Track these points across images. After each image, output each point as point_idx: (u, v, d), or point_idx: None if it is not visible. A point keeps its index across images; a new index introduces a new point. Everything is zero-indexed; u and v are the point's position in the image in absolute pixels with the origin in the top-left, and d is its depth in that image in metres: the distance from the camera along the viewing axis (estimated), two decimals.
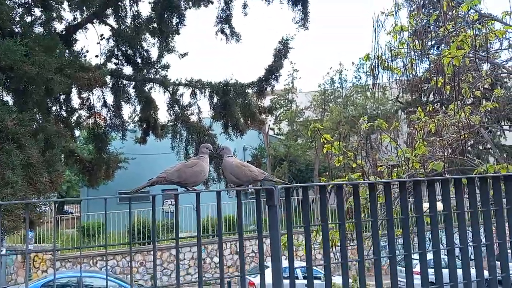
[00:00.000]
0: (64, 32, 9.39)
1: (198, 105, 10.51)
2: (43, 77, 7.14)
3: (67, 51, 8.54)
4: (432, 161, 5.98)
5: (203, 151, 2.57)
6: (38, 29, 8.31)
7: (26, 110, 7.26)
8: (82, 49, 9.01)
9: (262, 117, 10.89)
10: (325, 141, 6.35)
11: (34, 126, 7.59)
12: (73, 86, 8.16)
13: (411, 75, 6.96)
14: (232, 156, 2.69)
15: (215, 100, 10.41)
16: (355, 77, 25.75)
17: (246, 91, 10.27)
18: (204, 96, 10.47)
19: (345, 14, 53.28)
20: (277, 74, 10.05)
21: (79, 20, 9.40)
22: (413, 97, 24.09)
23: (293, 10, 9.79)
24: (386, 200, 2.54)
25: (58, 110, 9.96)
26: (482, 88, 7.00)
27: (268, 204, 2.29)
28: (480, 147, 19.63)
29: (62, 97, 10.02)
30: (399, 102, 23.63)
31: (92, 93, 10.09)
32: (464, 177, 2.76)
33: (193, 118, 10.50)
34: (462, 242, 2.54)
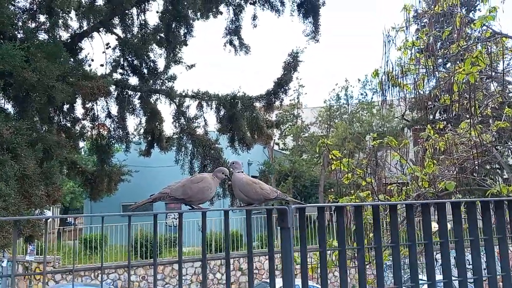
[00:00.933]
0: (69, 40, 9.00)
1: (204, 118, 10.06)
2: (44, 85, 6.70)
3: (71, 59, 8.11)
4: (443, 181, 5.66)
5: (218, 176, 2.37)
6: (42, 36, 7.93)
7: (26, 118, 6.82)
8: (86, 57, 8.60)
9: (269, 131, 10.39)
10: (334, 158, 6.07)
11: (33, 136, 7.13)
12: (76, 95, 7.70)
13: (420, 92, 6.75)
14: (242, 172, 2.49)
15: (222, 112, 9.95)
16: (361, 94, 25.43)
17: (253, 104, 9.81)
18: (211, 108, 10.02)
19: (351, 29, 53.05)
20: (286, 88, 9.60)
21: (85, 28, 9.00)
22: (420, 115, 23.78)
23: (304, 22, 9.42)
24: (408, 222, 2.39)
25: (61, 120, 9.50)
26: (491, 107, 6.68)
27: (281, 226, 2.16)
28: (488, 167, 19.10)
29: (66, 106, 9.57)
30: (405, 120, 23.21)
31: (96, 103, 9.65)
32: (477, 200, 2.60)
33: (199, 131, 10.03)
34: (476, 272, 2.36)
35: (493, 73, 6.79)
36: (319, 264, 2.33)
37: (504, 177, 20.33)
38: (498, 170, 21.55)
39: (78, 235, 19.83)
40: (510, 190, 5.53)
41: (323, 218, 2.49)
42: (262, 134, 9.97)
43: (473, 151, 5.68)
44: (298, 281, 2.20)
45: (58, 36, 8.44)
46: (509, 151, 19.95)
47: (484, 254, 2.44)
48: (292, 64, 9.40)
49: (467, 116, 6.09)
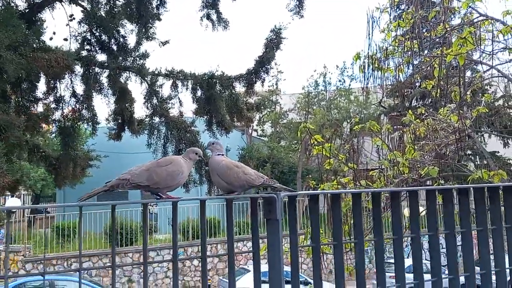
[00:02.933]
0: (27, 10, 7.76)
1: (179, 98, 8.97)
2: None
3: (27, 30, 6.90)
4: (425, 166, 5.32)
5: (191, 157, 2.00)
6: None
7: None
8: (42, 25, 7.36)
9: (249, 114, 9.41)
10: (316, 142, 5.53)
11: None
12: (32, 69, 6.53)
13: (402, 76, 6.47)
14: (222, 155, 2.10)
15: (198, 93, 8.89)
16: (339, 81, 24.86)
17: (233, 85, 8.80)
18: (187, 89, 8.94)
19: (330, 14, 52.06)
20: (268, 66, 8.62)
21: None
22: (397, 102, 23.49)
23: None
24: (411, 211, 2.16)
25: (20, 100, 8.28)
26: (470, 92, 6.41)
27: (267, 217, 1.87)
28: (468, 152, 18.84)
29: (25, 85, 8.35)
30: (382, 107, 22.78)
31: (60, 81, 8.45)
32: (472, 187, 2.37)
33: (173, 112, 8.96)
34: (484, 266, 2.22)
35: (480, 57, 6.48)
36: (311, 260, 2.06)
37: (476, 163, 20.17)
38: (470, 156, 21.38)
39: (50, 223, 18.61)
40: (491, 175, 5.16)
41: (317, 208, 2.03)
42: (242, 117, 9.00)
43: (454, 136, 5.40)
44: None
45: (12, 4, 7.22)
46: (483, 137, 19.76)
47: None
48: (274, 41, 8.42)
49: (445, 101, 5.95)
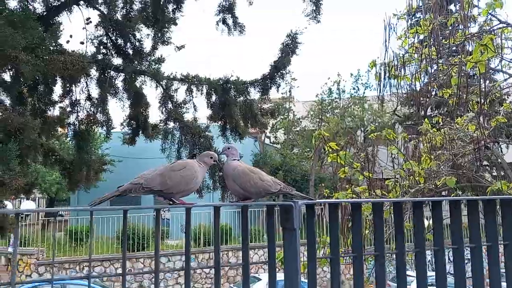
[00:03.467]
0: (44, 13, 7.77)
1: (194, 103, 8.87)
2: (5, 55, 5.50)
3: (44, 33, 6.88)
4: (443, 177, 5.21)
5: (206, 161, 1.91)
6: (12, 4, 6.72)
7: None
8: (59, 28, 7.34)
9: (264, 120, 9.26)
10: (330, 150, 5.49)
11: None
12: (48, 71, 6.49)
13: (418, 84, 6.37)
14: (238, 160, 2.02)
15: (213, 98, 8.79)
16: (353, 88, 24.60)
17: (248, 90, 8.67)
18: (201, 93, 8.84)
19: (345, 22, 51.81)
20: (284, 72, 8.48)
21: (63, 0, 7.77)
22: (412, 111, 23.11)
23: (304, 1, 8.28)
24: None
25: (36, 103, 8.26)
26: (488, 102, 6.13)
27: (284, 226, 1.77)
28: (484, 163, 18.43)
29: (41, 88, 8.34)
30: (397, 115, 22.46)
31: (75, 85, 8.42)
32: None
33: (188, 117, 8.86)
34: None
35: (499, 65, 6.28)
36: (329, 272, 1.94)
37: (493, 174, 19.71)
38: (487, 167, 20.89)
39: (63, 226, 18.68)
40: (511, 187, 5.02)
41: (336, 217, 1.97)
42: (257, 123, 8.85)
43: (472, 146, 5.28)
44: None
45: (30, 7, 7.23)
46: (501, 148, 19.31)
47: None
48: (290, 46, 8.29)
49: (463, 110, 5.85)
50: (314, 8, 8.14)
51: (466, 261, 2.04)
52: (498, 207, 2.20)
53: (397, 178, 5.91)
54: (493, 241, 2.12)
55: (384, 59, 6.05)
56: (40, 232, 17.23)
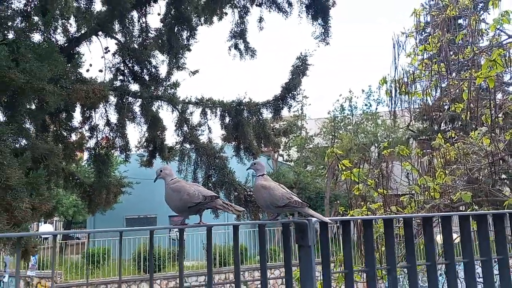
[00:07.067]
0: (66, 45, 8.28)
1: (208, 126, 9.26)
2: (34, 87, 5.95)
3: (67, 64, 7.37)
4: (457, 191, 5.20)
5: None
6: (36, 38, 7.22)
7: (13, 124, 6.06)
8: (81, 59, 7.85)
9: (277, 139, 9.57)
10: (344, 168, 5.54)
11: (22, 143, 6.38)
12: (71, 101, 6.94)
13: (430, 99, 6.40)
14: (263, 176, 2.13)
15: (227, 120, 9.16)
16: (365, 105, 24.75)
17: (260, 111, 9.02)
18: (215, 116, 9.23)
19: (356, 39, 52.36)
20: (295, 93, 8.82)
21: (83, 32, 8.28)
22: (425, 126, 23.05)
23: (313, 24, 8.67)
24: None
25: (58, 129, 8.73)
26: (503, 115, 6.19)
27: (299, 244, 1.88)
28: (502, 177, 18.29)
29: (63, 115, 8.82)
30: (411, 130, 22.48)
31: (95, 111, 8.88)
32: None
33: (203, 139, 9.23)
34: None
35: (510, 79, 6.39)
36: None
37: None
38: (506, 180, 20.66)
39: (81, 249, 19.03)
40: None
41: (348, 233, 2.08)
42: (269, 142, 9.16)
43: (487, 160, 5.24)
44: None
45: (53, 39, 7.74)
46: None
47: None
48: (300, 68, 8.65)
49: (477, 125, 5.78)
50: (323, 31, 8.51)
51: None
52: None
53: (412, 194, 6.02)
54: (503, 254, 2.19)
55: (394, 76, 6.26)
56: (58, 255, 17.56)
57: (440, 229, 2.22)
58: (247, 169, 2.31)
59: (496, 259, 2.20)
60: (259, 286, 1.97)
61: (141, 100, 8.95)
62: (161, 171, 2.06)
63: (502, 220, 2.25)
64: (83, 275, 16.74)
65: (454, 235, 2.34)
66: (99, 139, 9.05)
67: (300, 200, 2.03)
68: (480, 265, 2.19)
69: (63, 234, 21.55)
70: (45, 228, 17.47)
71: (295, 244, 1.96)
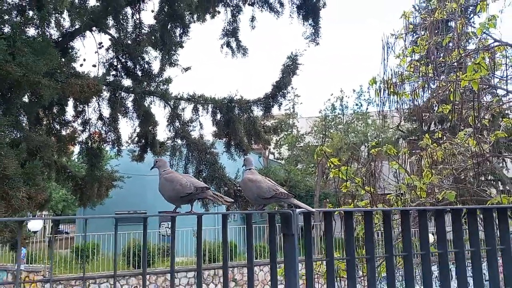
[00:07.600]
0: (60, 39, 8.42)
1: (200, 122, 9.44)
2: (29, 80, 6.10)
3: (61, 58, 7.51)
4: (442, 191, 5.34)
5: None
6: (31, 32, 7.35)
7: (9, 116, 6.21)
8: (76, 53, 7.99)
9: (267, 136, 9.79)
10: (332, 166, 5.68)
11: (17, 135, 6.52)
12: (65, 95, 7.10)
13: (418, 101, 6.51)
14: (250, 170, 2.23)
15: (218, 116, 9.35)
16: (356, 104, 25.08)
17: (251, 108, 9.23)
18: (207, 112, 9.42)
19: (347, 39, 52.84)
20: (285, 91, 9.04)
21: (77, 27, 8.42)
22: (415, 126, 23.40)
23: (304, 24, 8.90)
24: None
25: (51, 122, 8.86)
26: (489, 116, 6.45)
27: (284, 233, 1.96)
28: (485, 177, 18.68)
29: (56, 108, 8.95)
30: (400, 131, 22.84)
31: (88, 105, 9.03)
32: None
33: (194, 134, 9.41)
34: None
35: (494, 82, 6.61)
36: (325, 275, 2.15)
37: (499, 188, 19.89)
38: (492, 181, 21.09)
39: (70, 243, 19.10)
40: (511, 201, 5.18)
41: (331, 224, 2.20)
42: (260, 139, 9.38)
43: (472, 160, 5.41)
44: None
45: (48, 34, 7.88)
46: (504, 162, 19.60)
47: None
48: (291, 67, 8.86)
49: (463, 126, 5.96)
50: (313, 31, 8.74)
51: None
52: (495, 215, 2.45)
53: (399, 193, 6.25)
54: (492, 246, 2.36)
55: (383, 77, 6.46)
56: (47, 249, 17.64)
57: (418, 222, 2.35)
58: (242, 166, 2.32)
59: (468, 251, 2.37)
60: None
61: (133, 95, 9.11)
62: (157, 161, 2.19)
63: (475, 214, 2.43)
64: (71, 269, 16.84)
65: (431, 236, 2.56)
66: (91, 133, 9.19)
67: (286, 192, 2.11)
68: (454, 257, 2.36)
69: (53, 228, 21.58)
70: (34, 222, 17.47)
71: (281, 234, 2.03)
